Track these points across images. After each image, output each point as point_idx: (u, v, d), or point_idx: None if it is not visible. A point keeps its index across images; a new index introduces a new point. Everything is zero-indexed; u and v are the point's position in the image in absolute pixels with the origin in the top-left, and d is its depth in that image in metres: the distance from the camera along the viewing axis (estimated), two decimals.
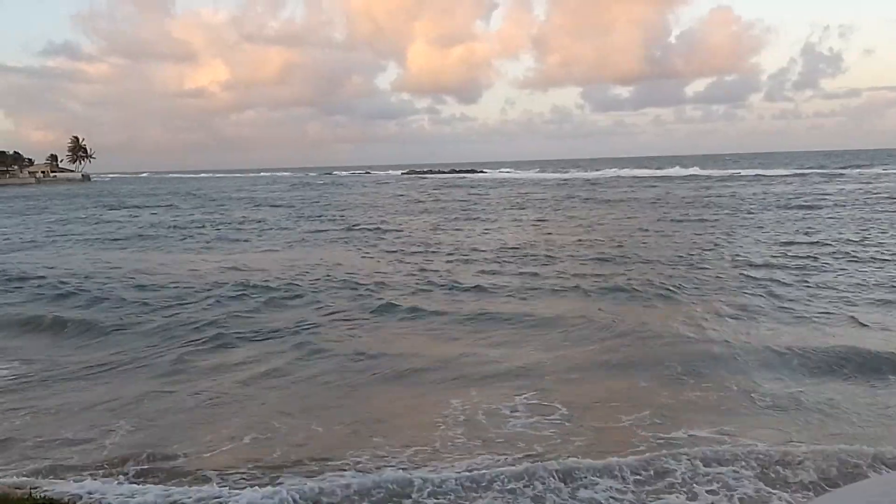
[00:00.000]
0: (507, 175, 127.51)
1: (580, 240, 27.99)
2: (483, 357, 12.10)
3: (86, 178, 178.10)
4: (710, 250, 23.64)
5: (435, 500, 6.98)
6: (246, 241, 31.76)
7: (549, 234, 30.84)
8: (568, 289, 18.01)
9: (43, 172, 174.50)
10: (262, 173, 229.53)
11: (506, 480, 7.26)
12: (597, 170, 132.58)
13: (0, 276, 21.58)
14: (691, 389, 10.21)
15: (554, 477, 7.32)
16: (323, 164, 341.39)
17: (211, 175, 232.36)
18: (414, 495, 7.03)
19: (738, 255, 22.28)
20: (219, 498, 6.72)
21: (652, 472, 7.45)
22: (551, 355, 12.11)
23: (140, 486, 7.07)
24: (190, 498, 6.75)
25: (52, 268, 23.53)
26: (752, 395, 9.93)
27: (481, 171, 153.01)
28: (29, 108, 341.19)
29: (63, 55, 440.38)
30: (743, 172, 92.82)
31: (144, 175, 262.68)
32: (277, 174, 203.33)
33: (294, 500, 6.72)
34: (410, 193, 72.50)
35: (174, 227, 40.20)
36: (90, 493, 6.85)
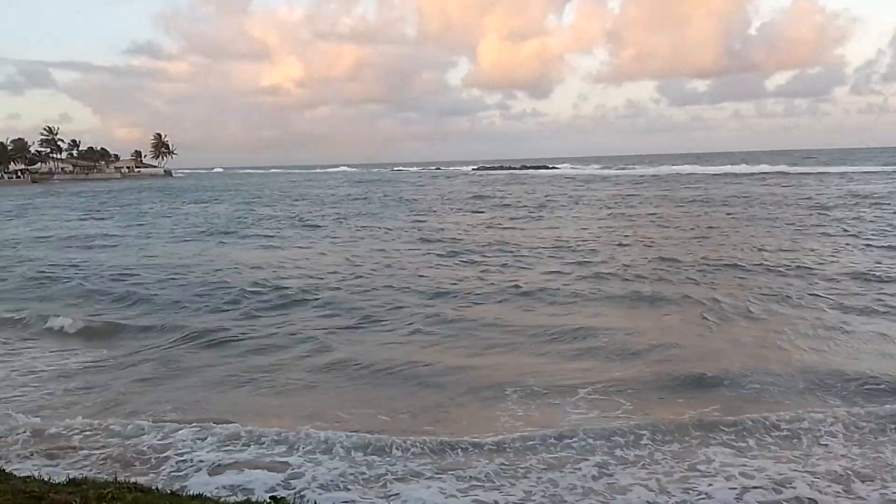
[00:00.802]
0: (578, 171, 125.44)
1: (650, 241, 26.83)
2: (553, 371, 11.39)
3: (167, 173, 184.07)
4: (797, 254, 22.15)
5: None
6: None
7: (623, 235, 29.67)
8: (634, 298, 16.89)
9: (128, 168, 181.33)
10: (329, 168, 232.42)
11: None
12: (673, 164, 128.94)
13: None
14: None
15: None
16: (393, 161, 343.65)
17: (287, 171, 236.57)
18: None
19: (835, 262, 20.54)
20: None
21: None
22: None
23: None
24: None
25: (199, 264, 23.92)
26: None
27: (553, 167, 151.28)
28: (114, 106, 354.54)
29: (146, 54, 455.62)
30: (829, 169, 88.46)
31: (218, 170, 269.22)
32: (350, 170, 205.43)
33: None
34: (482, 190, 71.85)
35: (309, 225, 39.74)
36: None
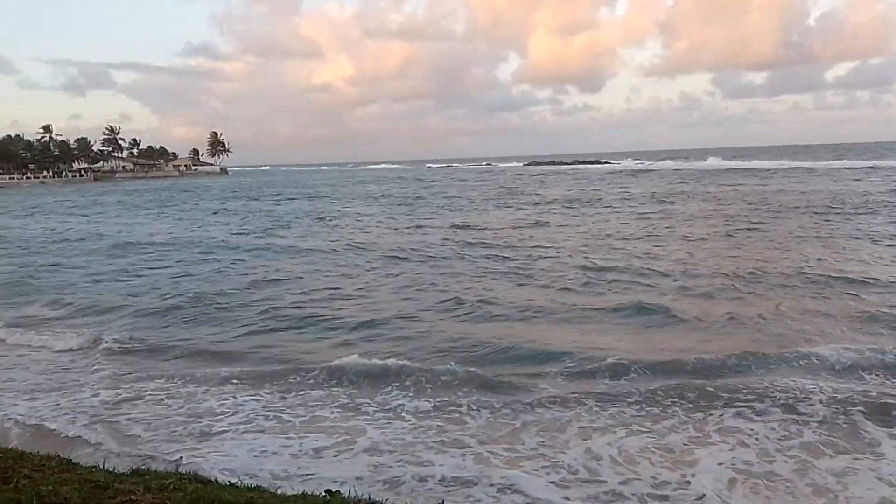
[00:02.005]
0: (634, 165, 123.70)
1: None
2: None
3: (223, 171, 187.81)
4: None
5: None
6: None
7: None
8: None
9: (185, 166, 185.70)
10: (381, 165, 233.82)
11: None
12: (734, 158, 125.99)
13: None
14: None
15: None
16: (443, 157, 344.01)
17: (339, 168, 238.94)
18: None
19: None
20: None
21: None
22: None
23: None
24: None
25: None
26: None
27: (605, 162, 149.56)
28: (172, 106, 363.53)
29: (202, 55, 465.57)
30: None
31: (264, 168, 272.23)
32: (402, 167, 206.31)
33: None
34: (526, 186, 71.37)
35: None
36: None
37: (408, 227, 34.43)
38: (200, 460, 7.97)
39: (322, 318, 15.50)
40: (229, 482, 5.65)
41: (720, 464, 7.78)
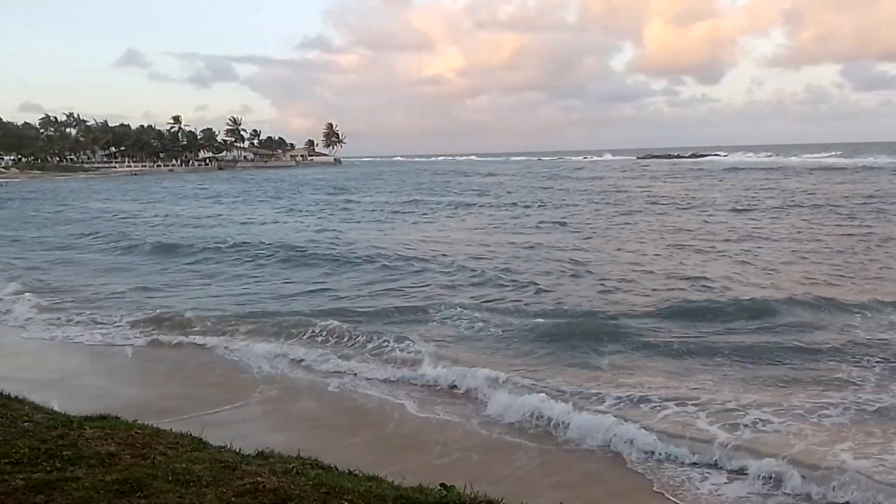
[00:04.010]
0: (762, 159, 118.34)
1: None
2: None
3: (337, 161, 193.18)
4: None
5: None
6: None
7: None
8: None
9: (301, 156, 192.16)
10: (496, 158, 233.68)
11: None
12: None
13: None
14: None
15: None
16: (555, 149, 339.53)
17: (450, 158, 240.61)
18: None
19: None
20: None
21: None
22: None
23: None
24: None
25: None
26: None
27: (724, 155, 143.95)
28: (289, 97, 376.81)
29: (317, 48, 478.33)
30: None
31: (365, 159, 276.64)
32: (513, 159, 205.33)
33: None
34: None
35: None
36: None
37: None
38: None
39: None
40: (348, 471, 5.76)
41: None
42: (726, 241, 25.66)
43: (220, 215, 44.96)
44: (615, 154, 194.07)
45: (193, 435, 6.34)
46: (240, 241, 29.14)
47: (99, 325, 15.56)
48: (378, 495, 5.07)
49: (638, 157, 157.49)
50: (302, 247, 26.63)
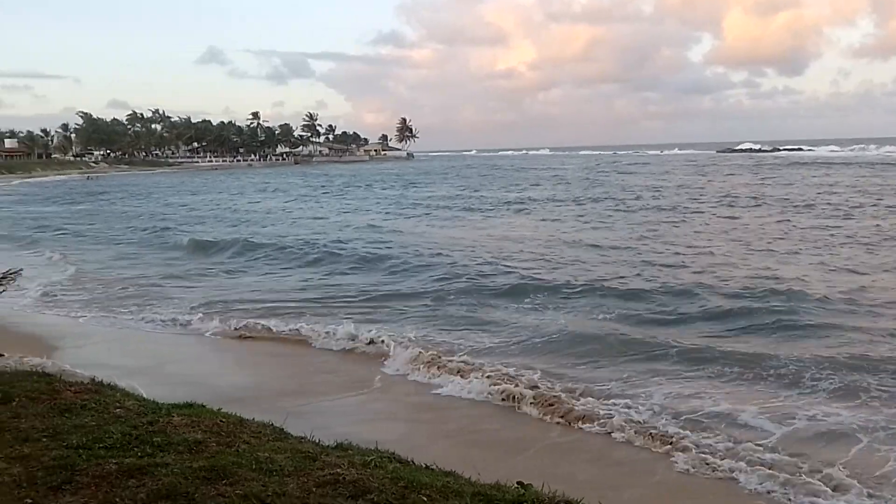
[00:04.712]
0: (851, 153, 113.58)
1: None
2: None
3: (410, 155, 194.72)
4: None
5: None
6: None
7: None
8: None
9: (375, 150, 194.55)
10: (568, 152, 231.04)
11: None
12: None
13: None
14: None
15: None
16: (631, 143, 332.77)
17: (523, 153, 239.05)
18: None
19: None
20: None
21: None
22: None
23: None
24: None
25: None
26: None
27: (808, 149, 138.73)
28: (363, 93, 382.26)
29: (390, 43, 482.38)
30: None
31: (450, 153, 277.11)
32: (591, 153, 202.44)
33: None
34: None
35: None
36: None
37: None
38: None
39: None
40: (425, 465, 5.79)
41: None
42: None
43: (322, 217, 42.43)
44: (694, 148, 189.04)
45: (275, 425, 6.48)
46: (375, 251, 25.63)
47: (175, 316, 16.15)
48: (456, 491, 5.07)
49: (717, 151, 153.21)
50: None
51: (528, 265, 20.98)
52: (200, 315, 15.82)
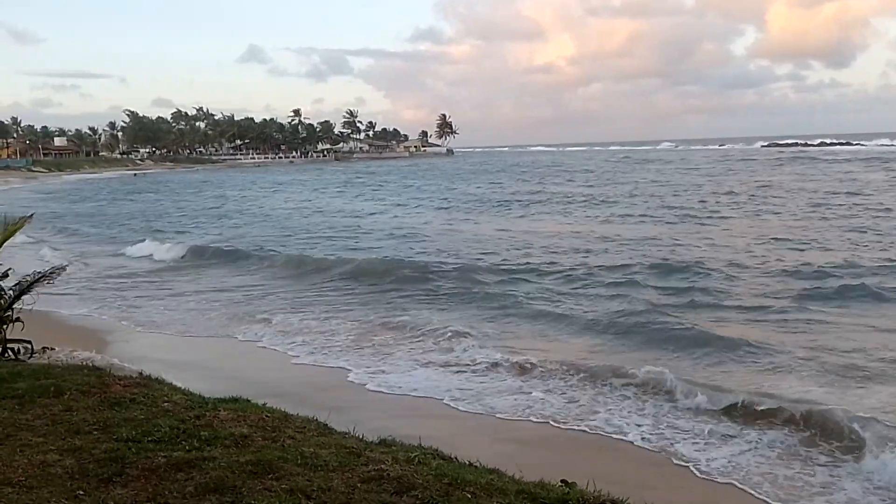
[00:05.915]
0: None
1: None
2: None
3: (449, 152, 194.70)
4: None
5: None
6: None
7: None
8: None
9: (415, 147, 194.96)
10: (610, 147, 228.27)
11: None
12: None
13: None
14: None
15: None
16: (672, 138, 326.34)
17: (560, 149, 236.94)
18: None
19: None
20: None
21: None
22: None
23: None
24: None
25: None
26: None
27: (858, 144, 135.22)
28: (402, 89, 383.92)
29: (429, 39, 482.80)
30: None
31: (489, 149, 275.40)
32: (634, 148, 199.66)
33: None
34: None
35: None
36: None
37: None
38: None
39: None
40: (468, 462, 5.76)
41: None
42: None
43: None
44: (738, 143, 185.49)
45: (319, 420, 6.52)
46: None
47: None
48: (499, 489, 5.04)
49: (762, 146, 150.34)
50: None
51: None
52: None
